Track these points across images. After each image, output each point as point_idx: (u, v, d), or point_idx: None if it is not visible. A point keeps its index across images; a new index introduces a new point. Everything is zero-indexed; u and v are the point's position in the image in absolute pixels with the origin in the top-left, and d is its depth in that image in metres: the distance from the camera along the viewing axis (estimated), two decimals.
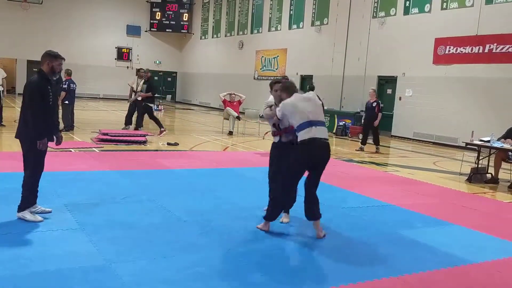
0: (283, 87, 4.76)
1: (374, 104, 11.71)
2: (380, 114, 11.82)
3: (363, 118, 12.42)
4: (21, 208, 4.50)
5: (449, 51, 14.02)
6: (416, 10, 15.10)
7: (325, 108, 16.51)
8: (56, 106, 12.61)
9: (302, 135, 4.46)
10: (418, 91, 14.98)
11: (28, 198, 4.54)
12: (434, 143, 14.35)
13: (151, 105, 12.34)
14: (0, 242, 3.90)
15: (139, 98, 12.17)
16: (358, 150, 11.97)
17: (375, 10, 16.51)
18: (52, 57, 4.60)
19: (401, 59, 15.44)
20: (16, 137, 4.62)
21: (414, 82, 15.10)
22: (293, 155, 4.61)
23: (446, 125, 14.04)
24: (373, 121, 11.73)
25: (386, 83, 16.36)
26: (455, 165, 10.07)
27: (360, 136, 14.31)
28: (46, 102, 4.50)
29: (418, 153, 12.32)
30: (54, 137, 4.80)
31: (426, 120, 14.64)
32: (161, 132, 11.87)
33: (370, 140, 12.28)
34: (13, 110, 15.89)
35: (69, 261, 3.56)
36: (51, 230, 4.24)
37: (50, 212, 4.72)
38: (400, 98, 15.61)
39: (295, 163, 4.58)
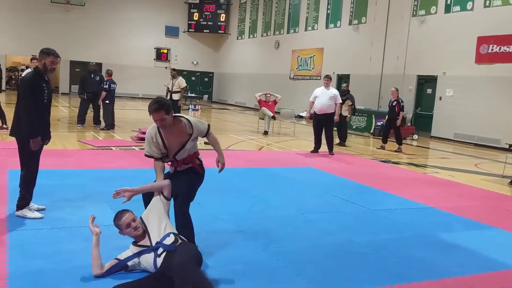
0: None
1: (394, 103, 11.76)
2: (402, 113, 11.83)
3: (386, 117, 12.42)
4: (20, 207, 4.50)
5: (492, 50, 13.59)
6: (457, 8, 14.72)
7: (363, 107, 16.41)
8: (97, 106, 12.93)
9: None
10: (459, 91, 14.59)
11: (26, 196, 4.51)
12: (475, 144, 13.94)
13: None
14: (45, 236, 4.06)
15: None
16: (379, 148, 11.99)
17: (414, 9, 16.18)
18: (44, 54, 4.44)
19: (442, 58, 15.07)
20: (10, 135, 4.55)
21: (455, 81, 14.72)
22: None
23: (489, 126, 13.61)
24: (394, 120, 11.76)
25: (426, 83, 16.02)
26: (497, 167, 9.76)
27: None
28: (40, 100, 4.41)
29: (459, 155, 12.01)
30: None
31: (468, 121, 14.24)
32: (1, 128, 10.59)
33: (392, 138, 12.26)
34: (56, 109, 16.46)
35: (112, 256, 3.66)
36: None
37: (44, 209, 4.69)
38: (440, 98, 15.25)
39: None
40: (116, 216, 3.52)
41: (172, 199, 3.80)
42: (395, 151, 11.59)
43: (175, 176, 3.89)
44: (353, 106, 12.70)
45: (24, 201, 4.52)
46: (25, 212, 4.50)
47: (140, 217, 3.56)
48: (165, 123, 3.67)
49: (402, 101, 11.94)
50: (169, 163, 3.95)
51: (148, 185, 3.78)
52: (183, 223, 3.71)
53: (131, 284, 3.10)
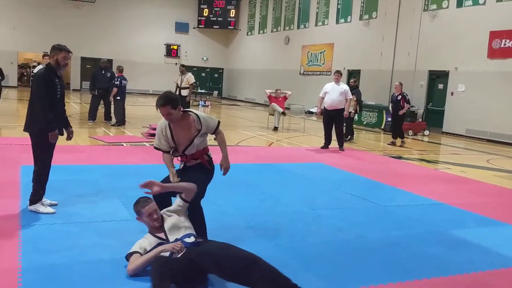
0: None
1: (399, 98, 11.66)
2: (407, 105, 11.72)
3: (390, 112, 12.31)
4: (33, 202, 4.54)
5: (505, 44, 13.43)
6: (470, 2, 14.54)
7: (374, 103, 16.32)
8: (108, 102, 13.03)
9: None
10: (471, 86, 14.44)
11: (39, 192, 4.56)
12: (488, 140, 13.80)
13: None
14: (57, 231, 4.10)
15: None
16: (389, 144, 11.85)
17: (426, 3, 16.03)
18: (56, 50, 4.51)
19: (454, 53, 14.92)
20: (24, 130, 4.60)
21: (467, 77, 14.57)
22: None
23: (501, 121, 13.47)
24: (398, 114, 11.68)
25: (438, 78, 15.88)
26: (510, 163, 9.67)
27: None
28: (53, 95, 4.49)
29: (471, 151, 11.90)
30: (64, 131, 4.76)
31: (480, 117, 14.10)
32: None
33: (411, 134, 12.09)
34: (68, 106, 16.56)
35: (123, 251, 3.69)
36: (106, 221, 4.42)
37: (56, 204, 4.72)
38: (452, 94, 15.11)
39: None
40: (139, 202, 3.51)
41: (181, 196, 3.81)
42: (399, 146, 11.52)
43: (184, 172, 3.91)
44: (358, 102, 12.59)
45: (37, 196, 4.57)
46: (38, 207, 4.54)
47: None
48: (172, 117, 3.72)
49: (407, 95, 11.87)
50: (179, 158, 3.97)
51: (177, 184, 3.71)
52: (195, 220, 3.74)
53: (162, 260, 3.09)
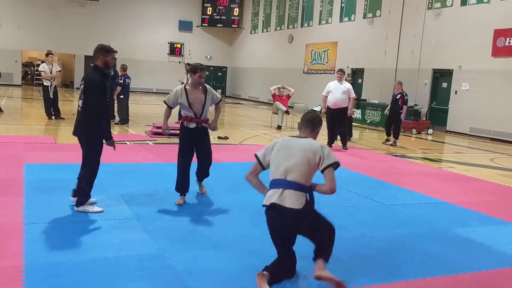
0: None
1: (398, 97, 11.51)
2: (405, 107, 11.52)
3: (387, 109, 12.14)
4: (81, 203, 4.58)
5: (509, 43, 13.38)
6: (474, 0, 14.48)
7: (377, 102, 16.29)
8: (112, 100, 13.02)
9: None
10: (475, 85, 14.39)
11: (88, 193, 4.61)
12: (492, 139, 13.76)
13: None
14: (60, 229, 4.11)
15: None
16: (384, 142, 11.75)
17: (430, 1, 15.98)
18: (105, 51, 4.50)
19: (458, 52, 14.87)
20: (75, 134, 4.63)
21: (471, 75, 14.52)
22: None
23: (505, 120, 13.42)
24: (397, 113, 11.51)
25: (441, 77, 15.83)
26: None
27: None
28: (105, 99, 4.52)
29: (475, 149, 11.87)
30: None
31: (484, 115, 14.05)
32: None
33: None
34: (71, 104, 16.61)
35: (126, 249, 3.71)
36: (109, 219, 4.43)
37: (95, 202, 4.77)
38: (456, 92, 15.06)
39: None
40: None
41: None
42: (391, 144, 11.45)
43: (198, 135, 5.16)
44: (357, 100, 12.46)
45: (86, 198, 4.60)
46: (87, 207, 4.58)
47: None
48: (202, 81, 5.02)
49: (406, 95, 11.71)
50: (193, 120, 5.08)
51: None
52: (204, 166, 5.46)
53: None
